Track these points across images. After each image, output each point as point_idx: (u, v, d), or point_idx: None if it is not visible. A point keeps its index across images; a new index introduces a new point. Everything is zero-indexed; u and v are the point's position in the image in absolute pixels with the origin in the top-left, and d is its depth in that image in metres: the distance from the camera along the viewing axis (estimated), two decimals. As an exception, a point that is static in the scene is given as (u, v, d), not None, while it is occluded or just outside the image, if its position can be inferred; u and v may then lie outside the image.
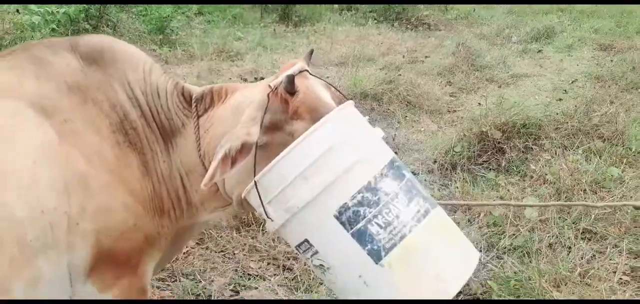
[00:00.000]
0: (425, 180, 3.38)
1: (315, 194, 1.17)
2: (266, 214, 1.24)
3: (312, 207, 1.19)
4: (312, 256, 1.25)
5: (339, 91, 1.51)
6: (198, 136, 1.39)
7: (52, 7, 3.66)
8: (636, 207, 2.22)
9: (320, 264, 1.24)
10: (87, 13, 4.89)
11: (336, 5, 9.35)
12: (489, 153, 3.51)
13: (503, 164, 3.40)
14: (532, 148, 3.52)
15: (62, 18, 3.32)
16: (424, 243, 1.20)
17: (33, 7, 3.30)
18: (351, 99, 1.41)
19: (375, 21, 8.94)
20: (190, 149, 1.41)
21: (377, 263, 1.16)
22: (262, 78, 5.96)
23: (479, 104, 4.86)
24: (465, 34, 7.58)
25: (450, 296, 1.17)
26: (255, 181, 1.22)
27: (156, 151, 1.40)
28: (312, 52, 1.51)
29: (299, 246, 1.26)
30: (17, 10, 3.26)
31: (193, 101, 1.42)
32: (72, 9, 3.60)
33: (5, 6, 5.77)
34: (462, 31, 8.48)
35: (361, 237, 1.17)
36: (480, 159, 3.50)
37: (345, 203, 1.17)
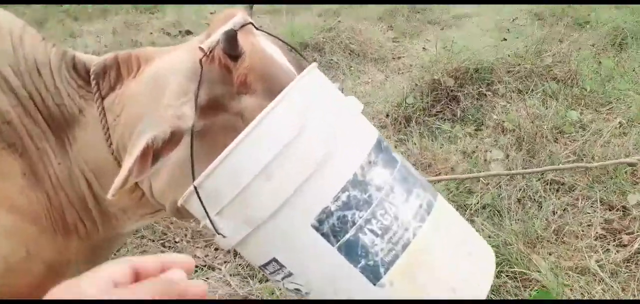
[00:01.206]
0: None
1: (284, 198, 0.83)
2: (216, 230, 0.88)
3: (281, 216, 0.84)
4: (283, 278, 0.91)
5: (295, 49, 1.15)
6: (105, 124, 0.99)
7: None
8: (630, 164, 2.04)
9: (296, 289, 0.91)
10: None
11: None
12: (442, 103, 3.27)
13: (458, 114, 3.19)
14: (485, 94, 3.32)
15: None
16: (432, 248, 0.89)
17: None
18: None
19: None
20: (96, 143, 1.01)
21: (375, 284, 0.85)
22: (188, 32, 5.44)
23: (424, 48, 4.64)
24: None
25: None
26: (194, 187, 0.85)
27: (45, 150, 0.99)
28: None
29: (264, 266, 0.91)
30: None
31: (92, 76, 1.00)
32: None
33: None
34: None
35: (351, 251, 0.84)
36: (433, 109, 3.26)
37: (327, 207, 0.84)
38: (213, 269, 2.11)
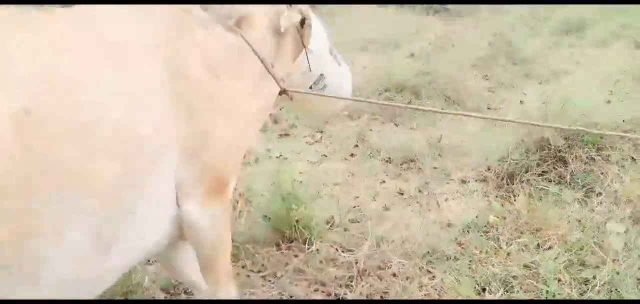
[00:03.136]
0: (480, 190, 3.03)
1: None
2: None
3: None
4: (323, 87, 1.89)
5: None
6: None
7: None
8: None
9: (324, 86, 1.89)
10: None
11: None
12: (548, 163, 3.15)
13: (567, 177, 3.05)
14: (595, 159, 3.17)
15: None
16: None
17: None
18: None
19: (395, 3, 8.49)
20: None
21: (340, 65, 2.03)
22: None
23: (521, 102, 4.51)
24: (495, 22, 7.17)
25: None
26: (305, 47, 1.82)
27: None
28: None
29: (315, 83, 1.88)
30: None
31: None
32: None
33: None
34: (487, 18, 8.08)
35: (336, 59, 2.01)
36: (539, 168, 3.14)
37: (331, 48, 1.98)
38: None
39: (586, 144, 3.19)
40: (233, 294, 1.61)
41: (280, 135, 3.80)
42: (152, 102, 1.24)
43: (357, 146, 3.61)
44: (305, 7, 1.76)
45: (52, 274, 1.11)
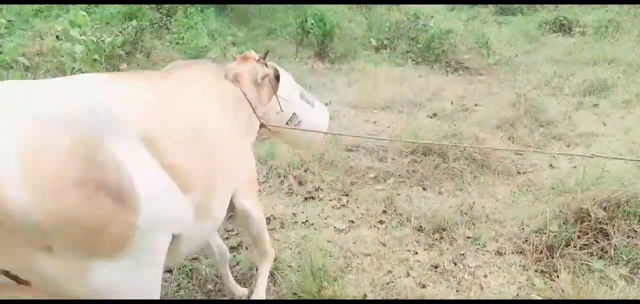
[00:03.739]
0: (518, 263, 2.88)
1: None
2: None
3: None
4: (295, 124, 2.47)
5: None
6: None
7: (96, 34, 3.40)
8: None
9: (299, 122, 2.47)
10: (123, 42, 4.52)
11: (373, 43, 8.97)
12: (589, 235, 3.00)
13: (609, 251, 2.89)
14: (637, 231, 3.01)
15: (107, 48, 2.92)
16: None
17: (76, 33, 2.89)
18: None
19: (414, 62, 8.54)
20: None
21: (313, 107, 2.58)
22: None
23: (551, 165, 4.39)
24: (515, 82, 7.14)
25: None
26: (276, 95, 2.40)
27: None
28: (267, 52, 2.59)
29: (289, 120, 2.45)
30: (57, 37, 2.87)
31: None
32: (118, 39, 3.22)
33: (43, 28, 5.44)
34: (506, 79, 8.07)
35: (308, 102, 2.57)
36: (579, 241, 2.99)
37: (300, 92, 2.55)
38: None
39: (628, 216, 3.05)
40: (272, 256, 2.33)
41: (306, 198, 3.70)
42: (233, 134, 1.96)
43: (385, 211, 3.50)
44: (275, 65, 2.51)
45: (216, 217, 1.75)
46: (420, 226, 3.25)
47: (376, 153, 4.28)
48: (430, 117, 5.52)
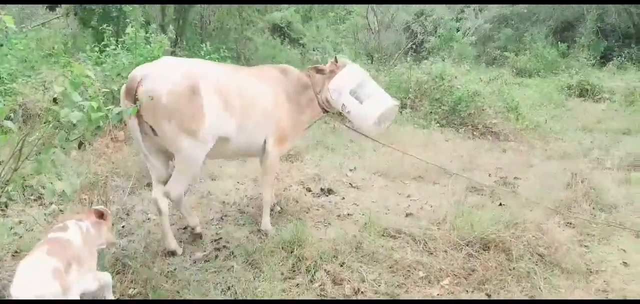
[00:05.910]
0: None
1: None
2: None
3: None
4: (347, 112, 3.72)
5: None
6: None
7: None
8: None
9: (348, 111, 3.69)
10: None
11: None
12: None
13: None
14: None
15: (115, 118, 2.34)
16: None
17: (78, 97, 2.31)
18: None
19: (438, 125, 7.98)
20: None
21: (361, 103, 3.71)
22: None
23: (625, 263, 3.72)
24: (549, 148, 6.54)
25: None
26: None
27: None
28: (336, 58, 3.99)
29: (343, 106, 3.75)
30: (54, 100, 2.31)
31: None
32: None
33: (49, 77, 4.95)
34: (537, 145, 7.50)
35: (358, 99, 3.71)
36: None
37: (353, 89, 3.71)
38: None
39: None
40: (272, 190, 4.14)
41: None
42: (278, 102, 3.71)
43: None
44: (346, 61, 3.92)
45: (248, 136, 3.57)
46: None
47: (423, 243, 3.62)
48: (471, 192, 4.89)
